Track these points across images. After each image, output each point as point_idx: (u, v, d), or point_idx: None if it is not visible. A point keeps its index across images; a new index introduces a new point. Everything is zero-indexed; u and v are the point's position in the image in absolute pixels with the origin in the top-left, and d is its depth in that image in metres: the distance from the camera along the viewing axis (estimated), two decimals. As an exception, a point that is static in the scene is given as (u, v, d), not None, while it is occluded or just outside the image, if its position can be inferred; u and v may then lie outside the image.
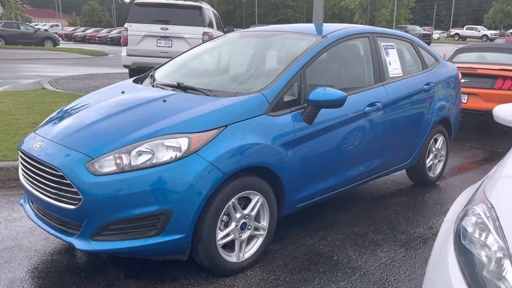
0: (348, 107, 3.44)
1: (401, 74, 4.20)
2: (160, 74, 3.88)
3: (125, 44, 10.09)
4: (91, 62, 19.64)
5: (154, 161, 2.62)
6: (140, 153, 2.64)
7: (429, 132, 4.51)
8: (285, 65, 3.33)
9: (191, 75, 3.81)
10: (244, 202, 2.94)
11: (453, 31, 57.22)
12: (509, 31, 52.15)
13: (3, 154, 4.76)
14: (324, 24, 4.21)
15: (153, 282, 2.83)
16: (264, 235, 3.06)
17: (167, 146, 2.66)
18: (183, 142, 2.67)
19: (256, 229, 3.01)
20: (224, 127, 2.80)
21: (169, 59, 4.34)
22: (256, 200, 2.95)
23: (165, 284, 2.80)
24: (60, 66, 16.69)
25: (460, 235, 1.60)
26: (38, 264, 3.01)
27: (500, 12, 60.04)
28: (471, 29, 53.47)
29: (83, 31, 46.93)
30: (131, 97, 3.31)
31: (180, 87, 3.37)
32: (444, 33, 59.51)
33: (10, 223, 3.62)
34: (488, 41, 46.93)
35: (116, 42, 36.13)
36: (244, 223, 2.92)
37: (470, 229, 1.59)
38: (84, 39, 42.76)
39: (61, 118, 3.19)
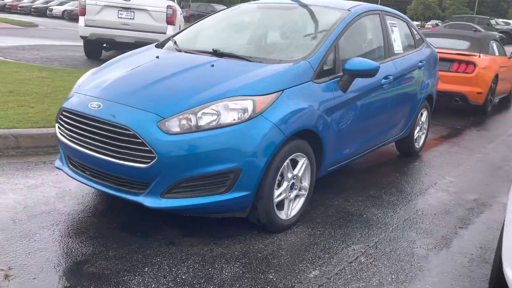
0: (372, 78, 3.71)
1: (402, 51, 4.56)
2: (183, 41, 3.89)
3: (83, 14, 9.63)
4: (23, 33, 18.26)
5: (221, 122, 2.71)
6: (207, 114, 2.72)
7: (419, 106, 4.94)
8: (319, 35, 3.52)
9: (219, 43, 3.86)
10: (291, 164, 3.12)
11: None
12: (435, 22, 55.62)
13: (-5, 121, 4.50)
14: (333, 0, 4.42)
15: (211, 239, 2.94)
16: (306, 195, 3.27)
17: (232, 108, 2.76)
18: (248, 104, 2.78)
19: (300, 189, 3.21)
20: (281, 92, 2.94)
21: (188, 25, 4.29)
22: (302, 162, 3.14)
23: (224, 240, 2.93)
24: (-8, 35, 15.39)
25: None
26: (88, 226, 2.99)
27: (422, 4, 64.19)
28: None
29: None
30: (174, 61, 3.33)
31: (216, 54, 3.43)
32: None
33: (33, 189, 3.49)
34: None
35: (42, 13, 33.73)
36: (293, 183, 3.11)
37: None
38: (3, 9, 39.36)
39: (105, 80, 3.13)
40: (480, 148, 5.85)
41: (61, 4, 34.19)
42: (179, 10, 10.52)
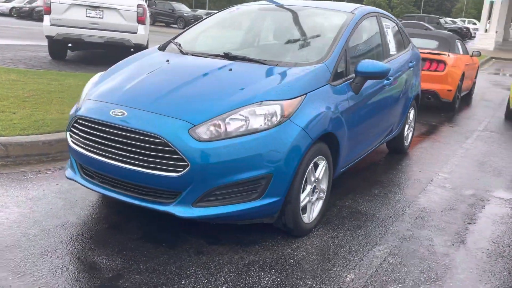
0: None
1: (396, 52, 4.67)
2: (188, 44, 3.79)
3: (48, 13, 9.17)
4: (-29, 31, 17.21)
5: (250, 127, 2.67)
6: (235, 120, 2.67)
7: (410, 105, 5.09)
8: (328, 38, 3.54)
9: (226, 45, 3.80)
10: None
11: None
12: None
13: (-21, 129, 4.21)
14: (335, 2, 4.47)
15: (238, 246, 2.89)
16: (324, 198, 3.28)
17: (261, 113, 2.72)
18: (276, 109, 2.75)
19: (319, 192, 3.22)
20: (305, 95, 2.93)
21: (189, 27, 4.16)
22: (322, 165, 3.15)
23: (251, 247, 2.89)
24: None
25: None
26: (109, 238, 2.86)
27: (373, 3, 66.18)
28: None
29: None
30: (188, 66, 3.25)
31: (228, 57, 3.38)
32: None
33: (37, 201, 3.30)
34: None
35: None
36: (314, 187, 3.11)
37: None
38: None
39: (121, 86, 3.00)
40: (460, 144, 6.10)
41: (7, 0, 32.45)
42: (147, 9, 10.26)
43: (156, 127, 2.58)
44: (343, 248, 2.98)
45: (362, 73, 3.39)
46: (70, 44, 9.96)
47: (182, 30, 4.17)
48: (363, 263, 2.81)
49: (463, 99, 10.23)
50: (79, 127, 2.88)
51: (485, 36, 24.64)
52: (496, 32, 25.84)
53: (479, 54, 10.08)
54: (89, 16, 9.22)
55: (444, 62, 8.00)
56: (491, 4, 25.03)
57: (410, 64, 4.93)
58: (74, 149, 2.95)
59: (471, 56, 9.83)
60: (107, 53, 10.77)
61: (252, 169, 2.63)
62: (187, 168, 2.53)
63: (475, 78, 10.79)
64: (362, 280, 2.62)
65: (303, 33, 3.86)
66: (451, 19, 44.10)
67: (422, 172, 4.74)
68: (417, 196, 4.05)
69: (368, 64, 3.39)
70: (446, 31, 11.51)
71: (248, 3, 4.41)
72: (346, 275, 2.66)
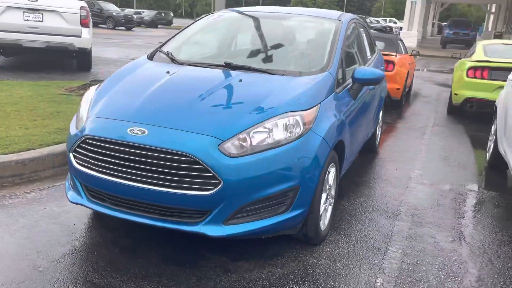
0: (367, 84, 3.89)
1: (370, 56, 4.83)
2: (181, 53, 3.66)
3: (-19, 16, 8.41)
4: None
5: (274, 139, 2.64)
6: (258, 133, 2.63)
7: (382, 106, 5.29)
8: (323, 45, 3.59)
9: (220, 54, 3.71)
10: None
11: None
12: None
13: None
14: (314, 9, 4.53)
15: (261, 260, 2.85)
16: (333, 203, 3.33)
17: (284, 124, 2.70)
18: (299, 120, 2.75)
19: (330, 198, 3.26)
20: (319, 105, 2.95)
21: (174, 35, 3.99)
22: (333, 171, 3.19)
23: (275, 260, 2.86)
24: None
25: None
26: (127, 264, 2.70)
27: (300, 3, 67.89)
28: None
29: None
30: (194, 78, 3.14)
31: (230, 67, 3.31)
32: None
33: (31, 229, 3.03)
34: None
35: None
36: (327, 194, 3.14)
37: None
38: None
39: (128, 102, 2.83)
40: (419, 140, 6.45)
41: None
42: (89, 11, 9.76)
43: (183, 145, 2.47)
44: (362, 252, 3.04)
45: (360, 79, 3.47)
46: (0, 50, 9.14)
47: (167, 38, 4.01)
48: (384, 266, 2.88)
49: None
50: (88, 147, 2.67)
51: (409, 35, 26.21)
52: (418, 30, 27.61)
53: (418, 54, 10.71)
54: (27, 20, 8.58)
55: (392, 62, 8.40)
56: (413, 4, 26.70)
57: (382, 67, 5.13)
58: (80, 171, 2.74)
59: (410, 55, 10.42)
60: (46, 58, 10.10)
61: (281, 182, 2.61)
62: (219, 186, 2.45)
63: (413, 76, 11.46)
64: (391, 284, 2.70)
65: (297, 41, 3.87)
66: (375, 18, 46.43)
67: (399, 170, 4.96)
68: (404, 194, 4.23)
69: (365, 71, 3.48)
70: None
71: (227, 10, 4.34)
72: (375, 280, 2.72)
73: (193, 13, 50.22)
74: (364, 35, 4.74)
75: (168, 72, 3.22)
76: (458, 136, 6.85)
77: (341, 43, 3.60)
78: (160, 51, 3.71)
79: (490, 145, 5.36)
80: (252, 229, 2.60)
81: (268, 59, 3.61)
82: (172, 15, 43.24)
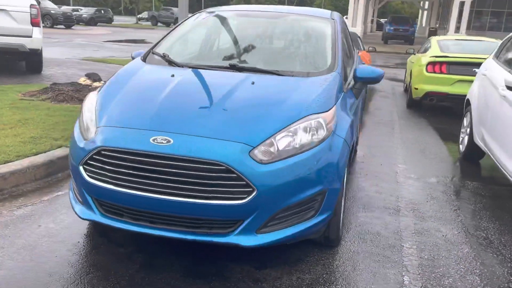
0: (360, 82, 3.91)
1: (354, 55, 4.88)
2: (178, 55, 3.49)
3: None
4: None
5: (299, 143, 2.58)
6: (283, 137, 2.56)
7: (362, 106, 5.37)
8: (323, 45, 3.57)
9: (220, 55, 3.58)
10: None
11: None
12: None
13: None
14: (303, 8, 4.48)
15: (287, 266, 2.78)
16: (343, 204, 3.32)
17: (307, 127, 2.64)
18: (321, 122, 2.70)
19: (342, 199, 3.25)
20: (334, 106, 2.92)
21: (165, 35, 3.77)
22: (346, 171, 3.18)
23: (300, 265, 2.81)
24: None
25: None
26: (152, 282, 2.53)
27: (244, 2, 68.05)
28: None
29: None
30: (206, 81, 3.01)
31: (236, 68, 3.21)
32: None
33: (32, 251, 2.78)
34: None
35: None
36: (340, 194, 3.13)
37: None
38: None
39: (144, 109, 2.65)
40: (391, 134, 6.62)
41: None
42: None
43: (214, 153, 2.34)
44: (380, 251, 3.05)
45: (362, 78, 3.49)
46: None
47: (158, 39, 3.81)
48: (405, 264, 2.91)
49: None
50: (104, 159, 2.47)
51: (353, 31, 26.96)
52: (361, 27, 28.48)
53: (374, 50, 11.04)
54: (-28, 19, 7.91)
55: (356, 59, 8.59)
56: (356, 0, 27.52)
57: (361, 64, 5.20)
58: (92, 184, 2.53)
59: (367, 51, 10.72)
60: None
61: (310, 187, 2.55)
62: (253, 194, 2.35)
63: (369, 71, 11.80)
64: (418, 281, 2.72)
65: (296, 41, 3.82)
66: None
67: (384, 166, 5.05)
68: (397, 189, 4.31)
69: (367, 70, 3.50)
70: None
71: (213, 9, 4.20)
72: (403, 278, 2.74)
73: (135, 11, 48.65)
74: (348, 33, 4.77)
75: (173, 75, 3.06)
76: (425, 129, 7.10)
77: (340, 42, 3.59)
78: (153, 53, 3.52)
79: (464, 137, 5.60)
80: (284, 236, 2.53)
81: (271, 59, 3.53)
82: (112, 12, 41.77)
